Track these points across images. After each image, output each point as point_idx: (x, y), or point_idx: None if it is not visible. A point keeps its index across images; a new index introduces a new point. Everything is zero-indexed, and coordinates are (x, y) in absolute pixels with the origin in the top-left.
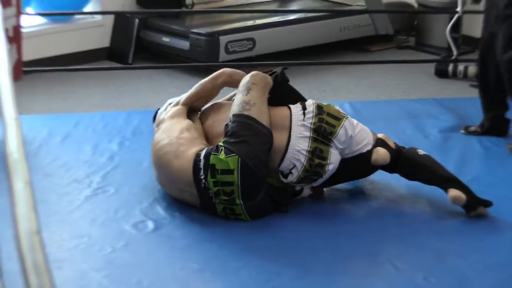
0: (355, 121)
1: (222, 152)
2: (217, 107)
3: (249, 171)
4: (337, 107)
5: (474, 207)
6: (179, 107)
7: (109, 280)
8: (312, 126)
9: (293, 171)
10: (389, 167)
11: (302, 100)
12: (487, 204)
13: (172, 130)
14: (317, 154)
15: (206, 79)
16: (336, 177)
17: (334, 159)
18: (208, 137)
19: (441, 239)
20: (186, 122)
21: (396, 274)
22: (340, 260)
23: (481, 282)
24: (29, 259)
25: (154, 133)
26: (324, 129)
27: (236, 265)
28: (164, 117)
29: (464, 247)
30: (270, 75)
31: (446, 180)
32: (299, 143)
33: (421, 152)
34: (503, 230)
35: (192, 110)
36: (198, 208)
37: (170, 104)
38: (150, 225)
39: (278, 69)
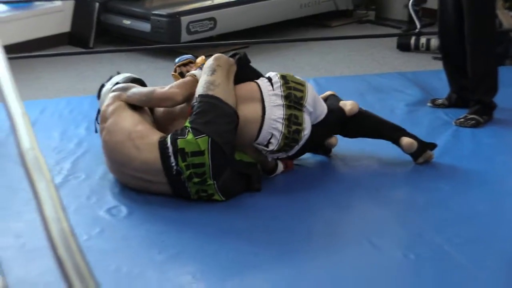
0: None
1: (190, 133)
2: None
3: (219, 150)
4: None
5: (422, 151)
6: (120, 102)
7: None
8: (283, 94)
9: (272, 140)
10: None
11: None
12: (433, 146)
13: (123, 125)
14: (293, 121)
15: (157, 95)
16: (304, 145)
17: (307, 124)
18: (162, 124)
19: (417, 213)
20: (135, 115)
21: (375, 252)
22: (316, 239)
23: (459, 256)
24: (69, 264)
25: (98, 118)
26: (295, 95)
27: (213, 248)
28: (107, 111)
29: (441, 222)
30: (231, 57)
31: (395, 130)
32: (274, 112)
33: (361, 108)
34: (477, 203)
35: None
36: None
37: (115, 84)
38: (124, 210)
39: (240, 52)
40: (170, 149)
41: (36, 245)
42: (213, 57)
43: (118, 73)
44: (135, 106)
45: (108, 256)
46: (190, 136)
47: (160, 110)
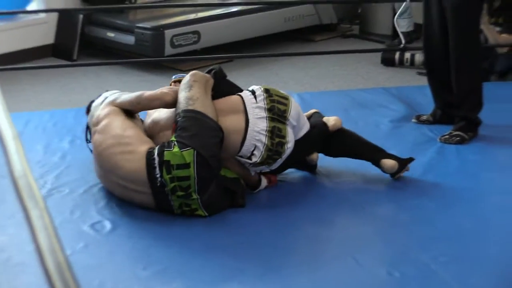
0: None
1: (176, 147)
2: None
3: (204, 163)
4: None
5: (401, 169)
6: (113, 107)
7: None
8: (266, 107)
9: (255, 152)
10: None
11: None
12: (410, 161)
13: (114, 129)
14: (276, 133)
15: (146, 95)
16: (287, 160)
17: (290, 137)
18: (150, 135)
19: (402, 231)
20: (126, 120)
21: (359, 269)
22: (301, 255)
23: (445, 275)
24: None
25: (89, 128)
26: (278, 108)
27: (198, 263)
28: (100, 115)
29: (426, 239)
30: (208, 73)
31: (376, 151)
32: (258, 124)
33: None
34: (462, 221)
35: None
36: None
37: (106, 98)
38: (108, 225)
39: (215, 67)
40: (156, 160)
41: (21, 260)
42: (189, 74)
43: (107, 91)
44: (127, 113)
45: (92, 272)
46: (176, 149)
47: (147, 121)
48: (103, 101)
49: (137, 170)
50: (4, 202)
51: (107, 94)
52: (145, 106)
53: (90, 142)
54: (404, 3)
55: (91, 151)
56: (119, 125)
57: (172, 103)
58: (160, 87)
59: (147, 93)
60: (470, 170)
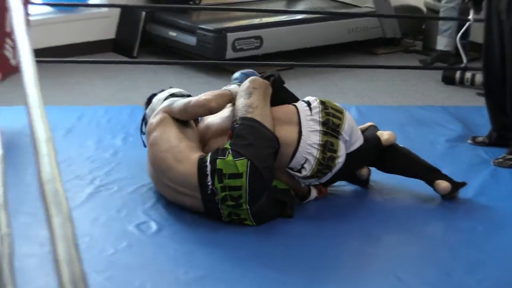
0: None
1: (230, 155)
2: None
3: (257, 174)
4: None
5: (454, 192)
6: (165, 115)
7: (110, 283)
8: (321, 120)
9: (305, 165)
10: (377, 159)
11: (298, 101)
12: (463, 185)
13: (168, 139)
14: (328, 148)
15: (192, 103)
16: (338, 173)
17: (342, 152)
18: (202, 139)
19: (449, 252)
20: (178, 131)
21: (402, 287)
22: (344, 269)
23: None
24: None
25: (145, 120)
26: (332, 122)
27: (239, 273)
28: (153, 122)
29: (472, 262)
30: (266, 78)
31: (430, 171)
32: (311, 137)
33: (399, 145)
34: (510, 245)
35: None
36: (201, 212)
37: (170, 94)
38: (153, 226)
39: (274, 73)
40: (208, 168)
41: None
42: (248, 79)
43: (171, 87)
44: (181, 121)
45: (133, 272)
46: (229, 158)
47: (201, 126)
48: (166, 97)
49: (189, 174)
50: None
51: (173, 90)
52: (192, 114)
53: (144, 133)
54: (468, 23)
55: (144, 145)
56: (171, 136)
57: (217, 109)
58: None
59: (193, 100)
60: None
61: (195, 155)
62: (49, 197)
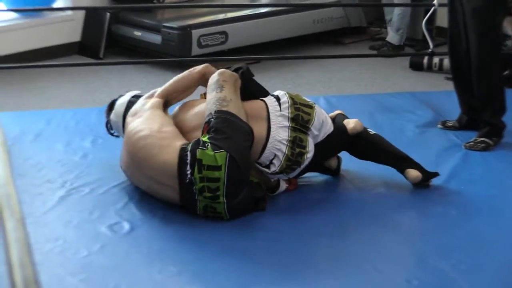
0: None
1: (209, 147)
2: (186, 103)
3: (236, 167)
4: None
5: (425, 181)
6: (156, 99)
7: (86, 285)
8: (290, 116)
9: (274, 161)
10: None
11: (268, 94)
12: (435, 175)
13: (153, 122)
14: (297, 143)
15: (184, 72)
16: (306, 165)
17: (311, 147)
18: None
19: (423, 238)
20: (166, 117)
21: (378, 276)
22: (319, 260)
23: (464, 283)
24: None
25: (109, 124)
26: (302, 117)
27: (214, 268)
28: (142, 107)
29: (446, 247)
30: (235, 71)
31: (401, 159)
32: (279, 133)
33: (371, 131)
34: (484, 229)
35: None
36: (174, 208)
37: (133, 96)
38: (126, 226)
39: (242, 66)
40: (189, 157)
41: (38, 259)
42: (217, 72)
43: (128, 91)
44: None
45: (107, 273)
46: (209, 150)
47: (176, 119)
48: (129, 99)
49: (169, 162)
50: (20, 202)
51: (134, 92)
52: (187, 82)
53: (117, 136)
54: (433, 8)
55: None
56: (158, 119)
57: (210, 74)
58: None
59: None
60: (494, 178)
61: (179, 143)
62: (2, 201)
